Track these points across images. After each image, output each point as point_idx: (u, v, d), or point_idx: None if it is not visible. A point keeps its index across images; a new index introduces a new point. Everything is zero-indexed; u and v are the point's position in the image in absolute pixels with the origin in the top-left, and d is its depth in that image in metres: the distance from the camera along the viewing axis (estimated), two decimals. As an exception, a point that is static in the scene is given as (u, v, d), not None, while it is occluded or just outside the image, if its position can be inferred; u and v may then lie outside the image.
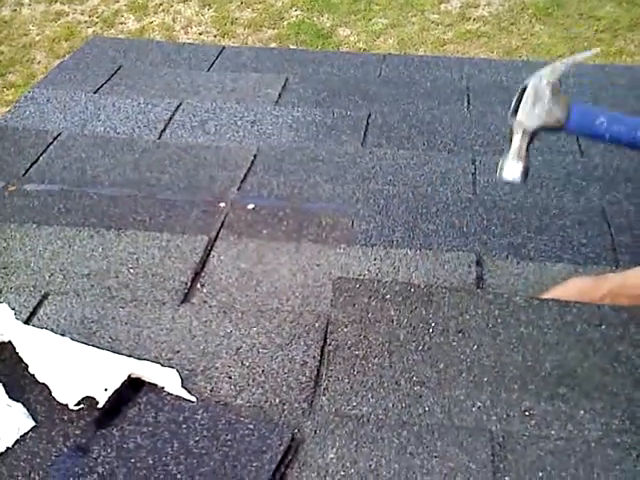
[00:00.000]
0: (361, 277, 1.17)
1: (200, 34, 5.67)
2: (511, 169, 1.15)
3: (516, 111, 1.15)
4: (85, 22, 5.92)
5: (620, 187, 1.49)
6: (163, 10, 5.97)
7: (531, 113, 1.14)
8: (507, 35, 5.25)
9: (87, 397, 0.98)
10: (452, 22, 5.42)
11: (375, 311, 1.10)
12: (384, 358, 1.05)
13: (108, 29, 5.85)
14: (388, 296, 1.11)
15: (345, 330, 1.09)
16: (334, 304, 1.12)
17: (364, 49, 5.17)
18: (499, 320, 1.07)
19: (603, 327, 1.05)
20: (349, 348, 1.07)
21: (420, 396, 1.02)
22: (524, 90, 1.15)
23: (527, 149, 1.16)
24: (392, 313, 1.09)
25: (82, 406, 0.98)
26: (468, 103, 1.85)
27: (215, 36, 5.59)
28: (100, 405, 0.97)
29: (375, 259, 1.30)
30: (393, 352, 1.05)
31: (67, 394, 0.98)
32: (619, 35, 5.04)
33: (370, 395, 1.02)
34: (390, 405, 1.01)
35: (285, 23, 5.65)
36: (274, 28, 5.61)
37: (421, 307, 1.09)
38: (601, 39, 5.04)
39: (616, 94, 1.87)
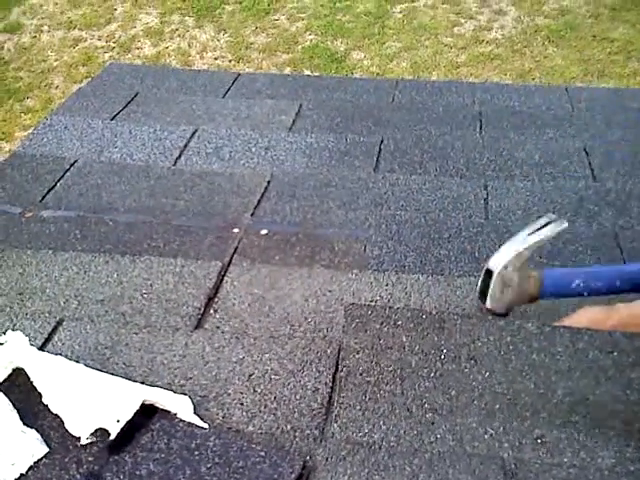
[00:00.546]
0: (373, 303, 1.18)
1: (215, 59, 5.75)
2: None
3: (483, 294, 1.14)
4: (102, 47, 6.03)
5: (633, 212, 1.49)
6: (179, 35, 6.06)
7: (500, 300, 1.14)
8: (520, 57, 5.27)
9: (99, 428, 0.99)
10: (465, 45, 5.45)
11: (387, 337, 1.10)
12: (396, 385, 1.05)
13: (125, 54, 5.94)
14: (400, 322, 1.11)
15: (357, 356, 1.09)
16: (346, 330, 1.12)
17: (378, 73, 5.22)
18: (511, 347, 1.06)
19: (615, 354, 1.04)
20: (361, 374, 1.07)
21: (432, 423, 1.01)
22: (488, 273, 1.13)
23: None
24: (404, 339, 1.09)
25: (94, 439, 0.98)
26: (480, 128, 1.86)
27: (230, 61, 5.66)
28: (112, 437, 0.98)
29: (387, 285, 1.31)
30: (405, 379, 1.05)
31: (79, 426, 0.99)
32: (632, 57, 5.04)
33: (382, 422, 1.02)
34: (402, 432, 1.01)
35: (299, 47, 5.71)
36: (288, 52, 5.67)
37: (433, 334, 1.09)
38: (614, 61, 5.05)
39: (629, 118, 1.87)
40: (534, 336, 1.07)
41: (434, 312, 1.12)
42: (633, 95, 2.04)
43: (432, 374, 1.06)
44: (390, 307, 1.15)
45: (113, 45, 6.06)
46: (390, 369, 1.07)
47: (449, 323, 1.10)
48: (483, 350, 1.07)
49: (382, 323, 1.12)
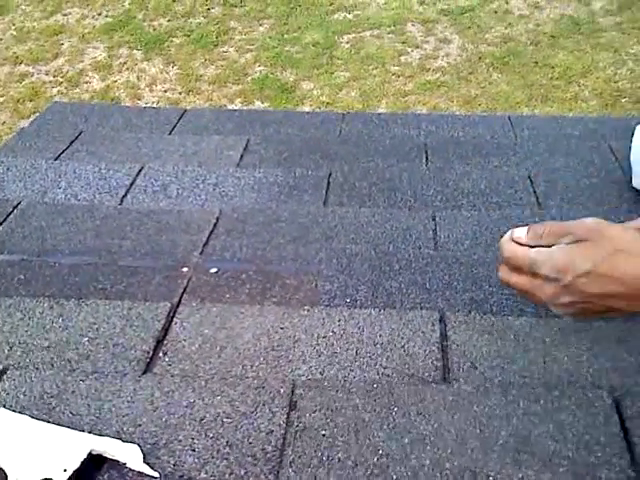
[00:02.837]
0: (324, 376, 1.18)
1: (165, 91, 5.73)
2: None
3: None
4: (50, 82, 5.97)
5: (577, 238, 1.51)
6: (127, 69, 6.04)
7: None
8: (466, 84, 5.38)
9: (46, 479, 0.96)
10: (412, 73, 5.55)
11: (341, 401, 1.12)
12: (350, 437, 1.05)
13: (73, 88, 5.89)
14: (353, 389, 1.14)
15: (312, 415, 1.09)
16: (301, 397, 1.13)
17: (328, 102, 5.27)
18: (454, 403, 1.10)
19: (541, 402, 1.10)
20: (316, 429, 1.07)
21: (387, 467, 1.01)
22: None
23: None
24: (357, 402, 1.11)
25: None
26: (426, 159, 1.88)
27: (180, 93, 5.66)
28: (59, 487, 0.95)
29: (339, 320, 1.30)
30: (359, 432, 1.06)
31: (24, 478, 0.96)
32: (573, 81, 5.20)
33: (338, 467, 1.01)
34: (358, 474, 1.00)
35: (249, 79, 5.74)
36: (238, 84, 5.69)
37: (383, 397, 1.12)
38: (556, 86, 5.20)
39: (570, 145, 1.91)
40: (471, 395, 1.12)
41: (384, 382, 1.16)
42: (574, 122, 2.08)
43: (385, 427, 1.07)
44: (344, 379, 1.17)
45: (61, 80, 6.01)
46: (344, 424, 1.08)
47: (398, 389, 1.13)
48: (430, 407, 1.10)
49: (336, 391, 1.13)
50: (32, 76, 6.03)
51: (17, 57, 6.24)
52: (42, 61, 6.18)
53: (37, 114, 5.55)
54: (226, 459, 1.03)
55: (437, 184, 1.74)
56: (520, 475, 0.99)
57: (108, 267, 1.48)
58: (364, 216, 1.63)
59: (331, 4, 6.54)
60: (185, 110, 2.25)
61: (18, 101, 5.75)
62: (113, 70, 6.03)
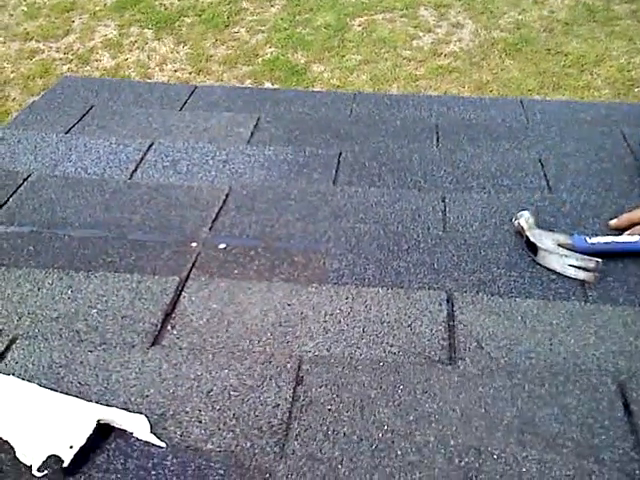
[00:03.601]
0: (331, 354, 1.18)
1: (175, 71, 5.71)
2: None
3: None
4: (60, 59, 5.95)
5: (588, 222, 1.51)
6: (138, 48, 6.02)
7: None
8: (478, 70, 5.34)
9: (51, 455, 0.96)
10: (424, 58, 5.51)
11: (347, 377, 1.12)
12: (355, 412, 1.06)
13: (83, 66, 5.88)
14: (359, 367, 1.14)
15: (318, 390, 1.10)
16: (307, 372, 1.14)
17: (338, 85, 5.24)
18: (459, 383, 1.11)
19: (546, 385, 1.11)
20: (322, 404, 1.08)
21: (392, 441, 1.02)
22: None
23: None
24: (363, 379, 1.12)
25: (45, 472, 0.96)
26: (437, 141, 1.88)
27: (190, 73, 5.64)
28: (65, 464, 0.95)
29: (347, 298, 1.30)
30: (364, 408, 1.07)
31: (31, 454, 0.96)
32: (585, 70, 5.16)
33: (342, 441, 1.02)
34: (362, 449, 1.01)
35: (260, 60, 5.71)
36: (249, 65, 5.66)
37: (389, 375, 1.13)
38: (569, 74, 5.15)
39: (582, 130, 1.90)
40: (477, 376, 1.12)
41: (390, 361, 1.16)
42: (586, 108, 2.07)
43: (390, 403, 1.08)
44: (351, 357, 1.17)
45: (71, 57, 5.99)
46: (350, 400, 1.08)
47: (404, 368, 1.14)
48: (436, 386, 1.11)
49: (343, 368, 1.14)
50: (42, 53, 6.02)
51: (28, 33, 6.23)
52: (53, 38, 6.17)
53: (47, 91, 5.55)
54: (232, 431, 1.04)
55: (447, 166, 1.74)
56: (524, 454, 0.99)
57: (117, 241, 1.49)
58: (373, 196, 1.62)
59: (344, -14, 6.49)
60: (196, 87, 2.24)
61: (28, 78, 5.74)
62: (123, 49, 6.01)
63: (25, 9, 6.53)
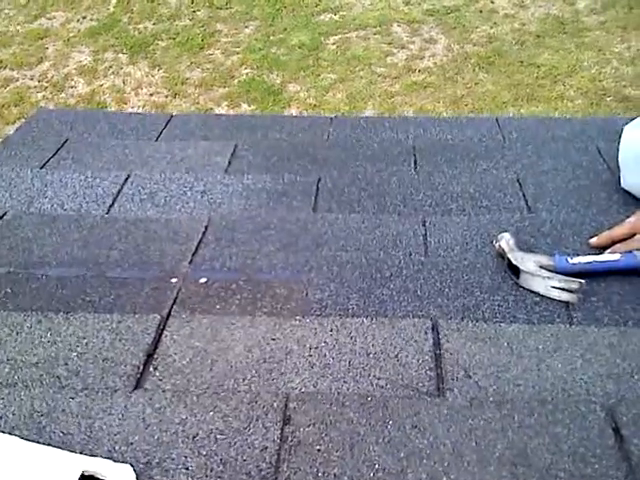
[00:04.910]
0: (317, 388, 1.17)
1: (151, 95, 5.70)
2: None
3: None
4: (35, 87, 5.92)
5: (568, 241, 1.51)
6: (113, 73, 6.00)
7: None
8: (452, 85, 5.38)
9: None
10: (399, 74, 5.55)
11: (335, 415, 1.10)
12: (345, 451, 1.04)
13: (58, 93, 5.85)
14: (347, 403, 1.12)
15: (306, 430, 1.08)
16: (294, 411, 1.12)
17: (314, 104, 5.25)
18: (448, 417, 1.09)
19: (535, 415, 1.09)
20: (310, 444, 1.06)
21: None
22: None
23: None
24: (351, 415, 1.10)
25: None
26: (415, 163, 1.87)
27: (166, 97, 5.63)
28: (50, 510, 0.93)
29: (331, 330, 1.29)
30: (354, 446, 1.05)
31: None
32: (558, 81, 5.21)
33: (332, 481, 1.00)
34: (353, 488, 0.99)
35: (235, 81, 5.72)
36: (225, 87, 5.66)
37: (378, 410, 1.11)
38: (542, 85, 5.20)
39: (558, 147, 1.91)
40: (466, 408, 1.11)
41: (377, 395, 1.14)
42: (561, 124, 2.08)
43: (380, 440, 1.06)
44: (338, 393, 1.15)
45: (46, 85, 5.97)
46: (339, 438, 1.07)
47: (392, 402, 1.12)
48: (425, 420, 1.09)
49: (330, 404, 1.12)
50: (17, 81, 5.99)
51: (1, 62, 6.19)
52: (27, 66, 6.14)
53: (22, 119, 5.50)
54: (220, 477, 1.02)
55: (426, 188, 1.73)
56: (517, 487, 0.98)
57: (96, 279, 1.47)
58: (354, 222, 1.61)
59: (317, 5, 6.53)
60: (172, 116, 2.23)
61: (3, 106, 5.70)
62: (98, 74, 5.99)
63: (-3, 38, 6.50)
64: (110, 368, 1.23)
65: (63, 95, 5.82)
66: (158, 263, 1.51)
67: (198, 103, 5.47)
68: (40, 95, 5.85)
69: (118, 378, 1.21)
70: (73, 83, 5.96)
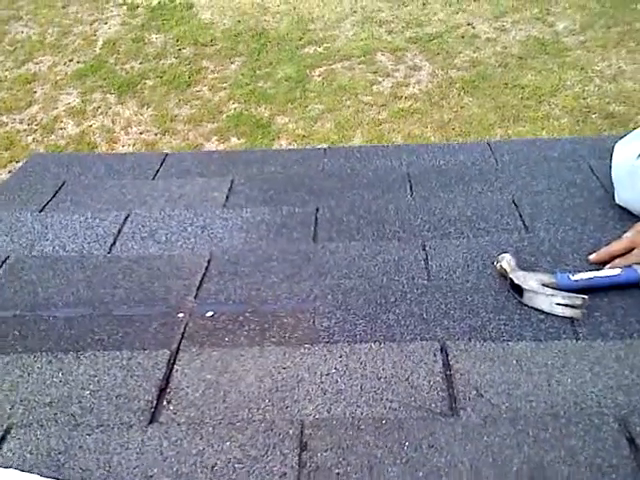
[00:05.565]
0: (332, 414, 1.18)
1: (141, 133, 5.74)
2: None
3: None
4: (24, 131, 5.96)
5: (568, 259, 1.53)
6: (102, 113, 6.05)
7: None
8: (439, 110, 5.45)
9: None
10: (385, 102, 5.62)
11: (351, 439, 1.12)
12: (364, 474, 1.06)
13: (48, 136, 5.88)
14: (362, 427, 1.14)
15: (324, 455, 1.10)
16: (310, 437, 1.14)
17: (303, 135, 5.30)
18: (464, 435, 1.11)
19: (549, 429, 1.11)
20: (329, 469, 1.07)
21: (404, 499, 1.01)
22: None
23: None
24: (367, 438, 1.12)
25: None
26: (411, 189, 1.90)
27: (156, 134, 5.67)
28: None
29: (341, 356, 1.30)
30: (372, 468, 1.07)
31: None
32: (543, 101, 5.29)
33: (354, 504, 1.01)
34: (373, 510, 1.00)
35: (224, 116, 5.77)
36: (214, 122, 5.71)
37: (393, 432, 1.13)
38: (527, 106, 5.28)
39: (551, 167, 1.94)
40: (480, 425, 1.13)
41: (392, 417, 1.16)
42: (551, 145, 2.12)
43: (398, 462, 1.07)
44: (352, 417, 1.17)
45: (35, 127, 6.00)
46: (357, 461, 1.08)
47: (407, 423, 1.14)
48: (441, 440, 1.11)
49: (346, 429, 1.14)
50: (6, 125, 6.03)
51: (-10, 108, 6.23)
52: (16, 110, 6.18)
53: (14, 163, 5.52)
54: (240, 506, 1.03)
55: (424, 213, 1.76)
56: (536, 501, 0.99)
57: (103, 318, 1.48)
58: (355, 250, 1.64)
59: (300, 39, 6.63)
60: (166, 154, 2.25)
61: (-6, 151, 5.73)
62: (87, 115, 6.03)
63: (-15, 84, 6.55)
64: (124, 404, 1.24)
65: (53, 137, 5.86)
66: (163, 299, 1.52)
67: (188, 139, 5.52)
68: (30, 138, 5.88)
69: (132, 413, 1.22)
70: (62, 125, 6.00)
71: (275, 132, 5.44)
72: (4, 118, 6.13)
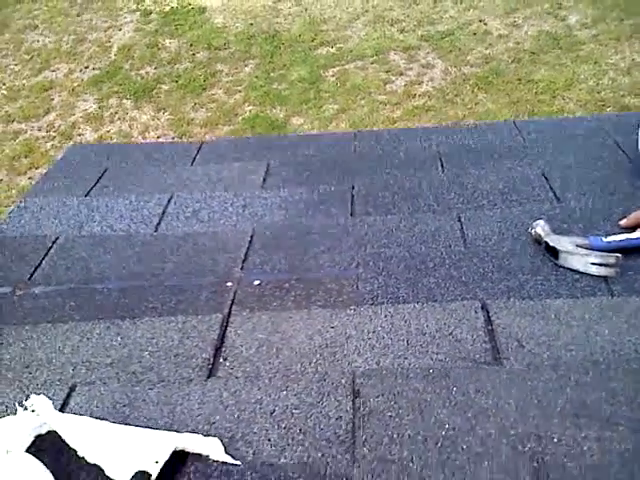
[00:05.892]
0: (382, 367, 1.25)
1: (158, 137, 5.82)
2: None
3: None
4: (43, 137, 6.05)
5: (599, 225, 1.59)
6: (119, 118, 6.14)
7: None
8: (453, 106, 5.51)
9: (139, 471, 1.01)
10: (399, 100, 5.68)
11: (401, 386, 1.19)
12: (415, 415, 1.13)
13: (66, 142, 5.98)
14: (411, 375, 1.21)
15: (376, 400, 1.17)
16: (362, 385, 1.20)
17: (320, 134, 5.36)
18: (509, 382, 1.18)
19: (590, 374, 1.18)
20: (381, 412, 1.14)
21: (456, 437, 1.07)
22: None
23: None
24: (417, 385, 1.19)
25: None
26: (442, 167, 1.97)
27: (173, 138, 5.75)
28: (153, 478, 1.00)
29: (385, 316, 1.37)
30: (423, 410, 1.14)
31: (120, 471, 1.01)
32: (557, 95, 5.34)
33: (409, 442, 1.07)
34: (429, 448, 1.06)
35: (240, 119, 5.85)
36: (229, 124, 5.79)
37: (441, 380, 1.20)
38: (542, 100, 5.33)
39: (577, 144, 2.00)
40: (524, 372, 1.20)
41: (439, 367, 1.23)
42: (576, 123, 2.18)
43: (447, 404, 1.14)
44: (401, 368, 1.24)
45: (54, 134, 6.10)
46: (408, 405, 1.15)
47: (453, 372, 1.21)
48: (487, 385, 1.18)
49: (395, 378, 1.21)
50: (25, 133, 6.12)
51: (9, 115, 6.34)
52: (34, 117, 6.28)
53: (33, 170, 5.62)
54: (302, 445, 1.09)
55: (456, 188, 1.82)
56: (583, 435, 1.06)
57: (155, 288, 1.55)
58: (392, 223, 1.70)
59: (313, 40, 6.70)
60: (202, 142, 2.33)
61: (14, 158, 5.82)
62: (104, 121, 6.12)
63: (5, 92, 6.66)
64: (182, 362, 1.31)
65: (71, 143, 5.95)
66: (212, 271, 1.59)
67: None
68: (49, 145, 5.98)
69: (191, 370, 1.29)
70: (80, 131, 6.09)
71: (290, 133, 5.50)
72: (23, 125, 6.23)
